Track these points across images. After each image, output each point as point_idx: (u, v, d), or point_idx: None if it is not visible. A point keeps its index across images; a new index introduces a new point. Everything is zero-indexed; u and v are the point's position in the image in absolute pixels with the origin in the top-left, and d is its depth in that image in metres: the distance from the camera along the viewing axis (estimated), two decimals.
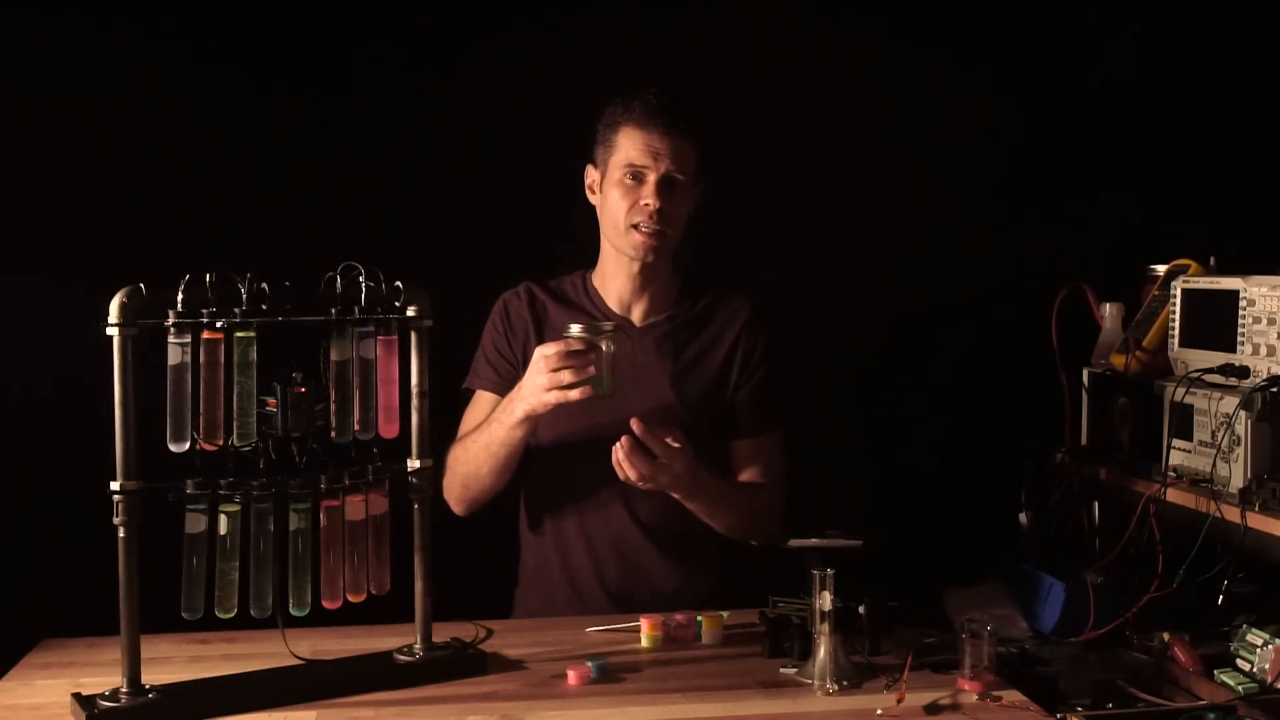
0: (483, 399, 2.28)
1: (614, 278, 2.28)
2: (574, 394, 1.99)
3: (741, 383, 2.27)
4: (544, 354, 2.01)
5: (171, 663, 1.87)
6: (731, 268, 2.47)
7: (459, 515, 2.25)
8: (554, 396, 2.00)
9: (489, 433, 2.14)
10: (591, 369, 1.99)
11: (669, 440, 2.02)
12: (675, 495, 2.12)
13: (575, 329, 2.02)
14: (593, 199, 2.27)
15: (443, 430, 1.90)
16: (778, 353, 2.30)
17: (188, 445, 1.66)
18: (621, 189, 2.18)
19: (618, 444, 2.01)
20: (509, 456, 2.15)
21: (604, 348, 2.00)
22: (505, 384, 2.26)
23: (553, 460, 2.25)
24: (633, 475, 2.02)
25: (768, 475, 2.28)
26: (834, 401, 2.80)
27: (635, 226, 2.18)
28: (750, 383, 2.27)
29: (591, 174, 2.26)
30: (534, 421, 2.10)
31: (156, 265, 1.67)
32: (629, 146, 2.17)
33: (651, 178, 2.16)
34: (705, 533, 2.24)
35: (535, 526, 2.30)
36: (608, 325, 2.04)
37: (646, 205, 2.17)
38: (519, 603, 2.35)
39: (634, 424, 2.01)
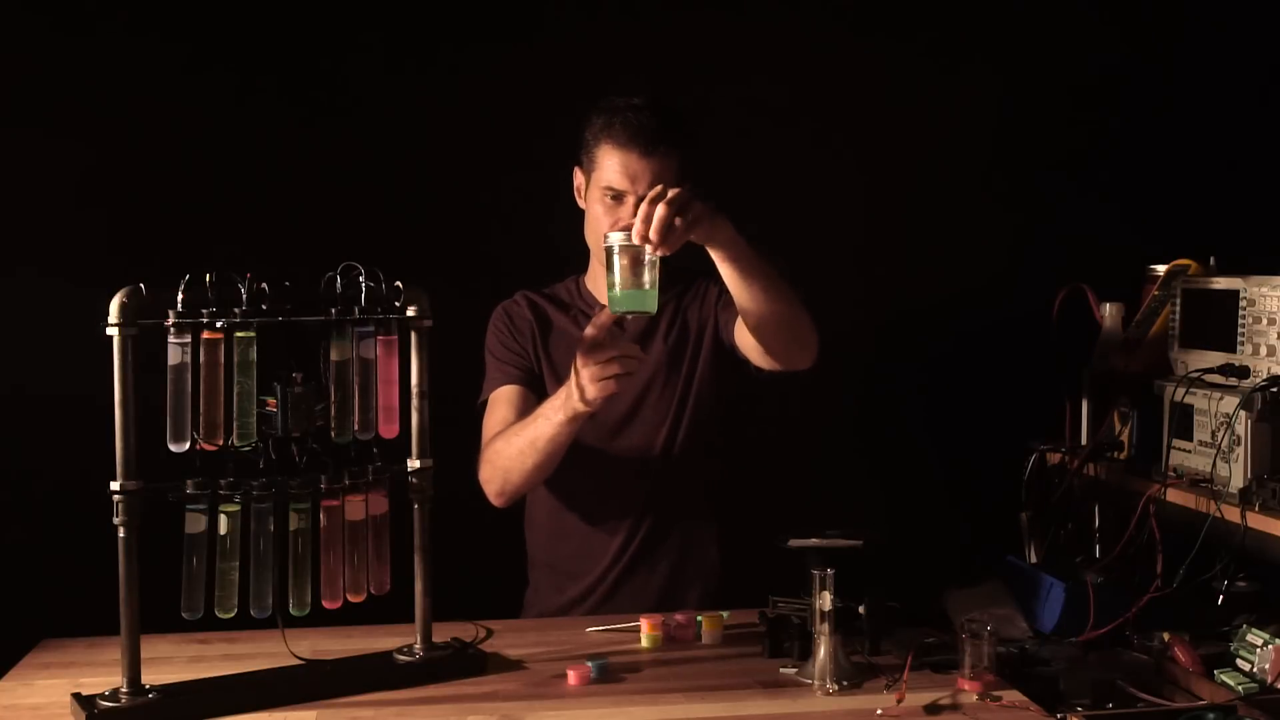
0: (502, 395, 2.26)
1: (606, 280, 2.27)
2: (614, 380, 1.93)
3: (721, 305, 2.24)
4: (582, 352, 1.96)
5: (171, 663, 1.87)
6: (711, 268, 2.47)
7: (498, 506, 2.22)
8: (600, 388, 1.94)
9: (534, 428, 2.10)
10: (616, 367, 1.92)
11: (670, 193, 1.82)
12: (714, 248, 1.94)
13: (616, 238, 1.84)
14: (580, 202, 2.27)
15: (443, 430, 1.89)
16: None
17: (188, 445, 1.66)
18: (602, 206, 2.17)
19: (637, 220, 1.81)
20: (554, 452, 2.10)
21: (646, 258, 1.84)
22: (521, 374, 2.26)
23: (565, 460, 2.24)
24: (655, 236, 1.80)
25: None
26: (833, 401, 2.80)
27: None
28: (724, 300, 2.22)
29: (578, 177, 2.25)
30: (581, 421, 2.05)
31: (156, 265, 1.67)
32: (608, 167, 2.14)
33: (630, 200, 2.13)
34: (713, 532, 2.26)
35: (545, 526, 2.30)
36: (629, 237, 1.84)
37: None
38: (529, 604, 2.35)
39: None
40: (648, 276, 1.85)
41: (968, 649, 1.77)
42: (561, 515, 2.28)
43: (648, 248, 1.82)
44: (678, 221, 1.80)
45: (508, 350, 2.29)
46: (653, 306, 1.87)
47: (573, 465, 2.19)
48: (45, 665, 1.91)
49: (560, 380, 2.23)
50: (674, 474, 2.25)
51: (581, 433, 2.15)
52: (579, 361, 1.97)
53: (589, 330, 1.99)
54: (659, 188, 1.82)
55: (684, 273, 2.32)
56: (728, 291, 2.19)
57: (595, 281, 2.31)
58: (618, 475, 2.23)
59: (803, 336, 2.10)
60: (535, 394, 2.26)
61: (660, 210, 1.79)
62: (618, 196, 2.15)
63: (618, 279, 1.86)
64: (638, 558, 2.25)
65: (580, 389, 1.98)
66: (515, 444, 2.14)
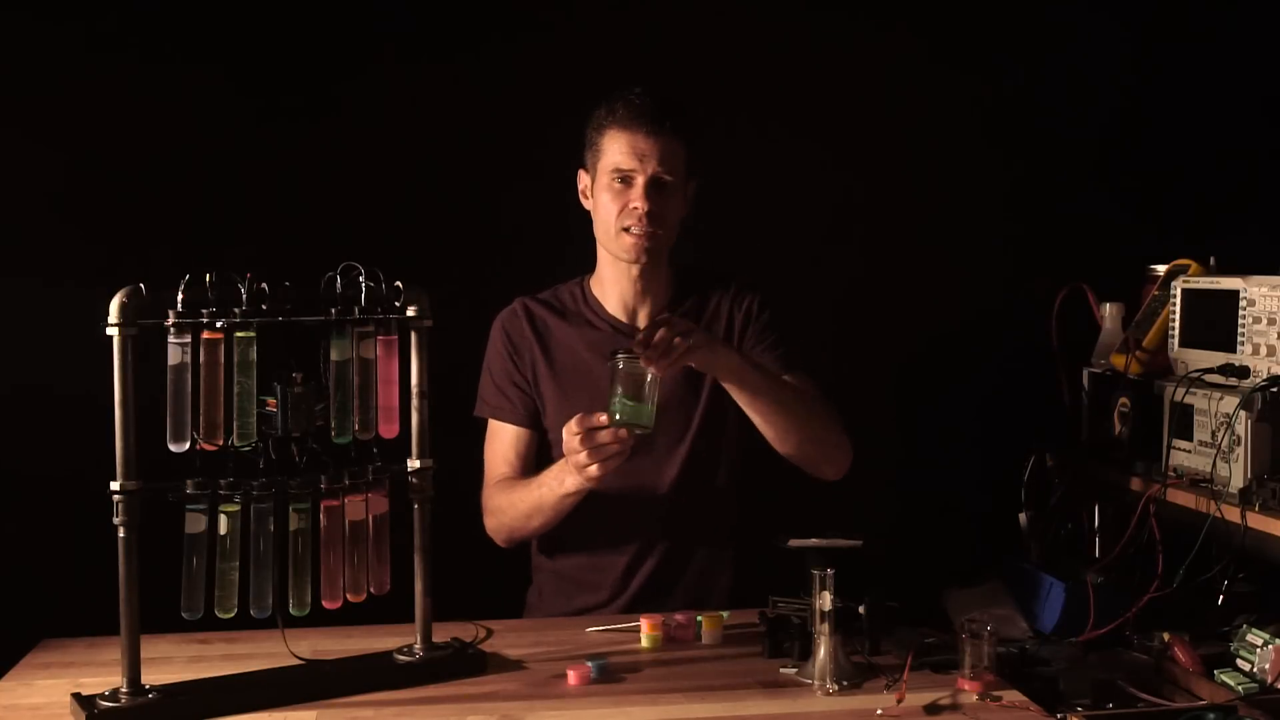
0: (502, 430, 2.26)
1: (614, 283, 2.26)
2: (613, 460, 1.95)
3: (747, 344, 2.25)
4: (570, 433, 1.96)
5: (171, 663, 1.87)
6: (730, 267, 2.47)
7: (501, 547, 2.26)
8: (595, 471, 1.96)
9: (539, 494, 2.12)
10: (615, 448, 1.94)
11: (666, 323, 1.94)
12: (717, 377, 2.08)
13: (620, 358, 1.93)
14: (586, 204, 2.25)
15: (443, 430, 1.89)
16: (774, 304, 2.29)
17: (188, 445, 1.66)
18: (611, 192, 2.16)
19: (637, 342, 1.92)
20: (560, 514, 2.13)
21: (648, 376, 1.94)
22: (521, 412, 2.25)
23: None
24: (658, 365, 1.91)
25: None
26: (833, 401, 2.79)
27: (626, 229, 2.17)
28: (755, 337, 2.25)
29: (583, 179, 2.25)
30: (585, 492, 2.06)
31: (156, 265, 1.67)
32: (614, 150, 2.15)
33: (639, 180, 2.14)
34: (723, 533, 2.25)
35: (552, 536, 2.27)
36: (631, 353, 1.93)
37: (635, 208, 2.15)
38: (532, 605, 2.34)
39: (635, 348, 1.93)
40: (648, 393, 1.94)
41: (968, 649, 1.77)
42: (578, 521, 2.24)
43: (650, 368, 1.92)
44: (678, 340, 1.91)
45: (509, 381, 2.26)
46: (650, 422, 1.95)
47: (585, 503, 2.17)
48: (45, 665, 1.91)
49: (562, 391, 2.23)
50: (688, 499, 2.22)
51: None
52: (575, 444, 1.96)
53: (574, 424, 1.96)
54: (664, 316, 1.97)
55: (697, 274, 2.30)
56: (761, 329, 2.24)
57: (601, 284, 2.29)
58: (630, 498, 2.21)
59: (827, 452, 2.17)
60: (535, 430, 2.26)
61: (661, 333, 1.91)
62: (626, 179, 2.14)
63: (619, 392, 1.94)
64: (649, 582, 2.23)
65: (580, 470, 1.97)
66: (520, 508, 2.16)
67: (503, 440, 2.26)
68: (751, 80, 2.82)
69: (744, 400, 2.09)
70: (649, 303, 2.27)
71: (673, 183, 2.17)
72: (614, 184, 2.16)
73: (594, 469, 1.96)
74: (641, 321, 2.26)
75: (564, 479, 2.06)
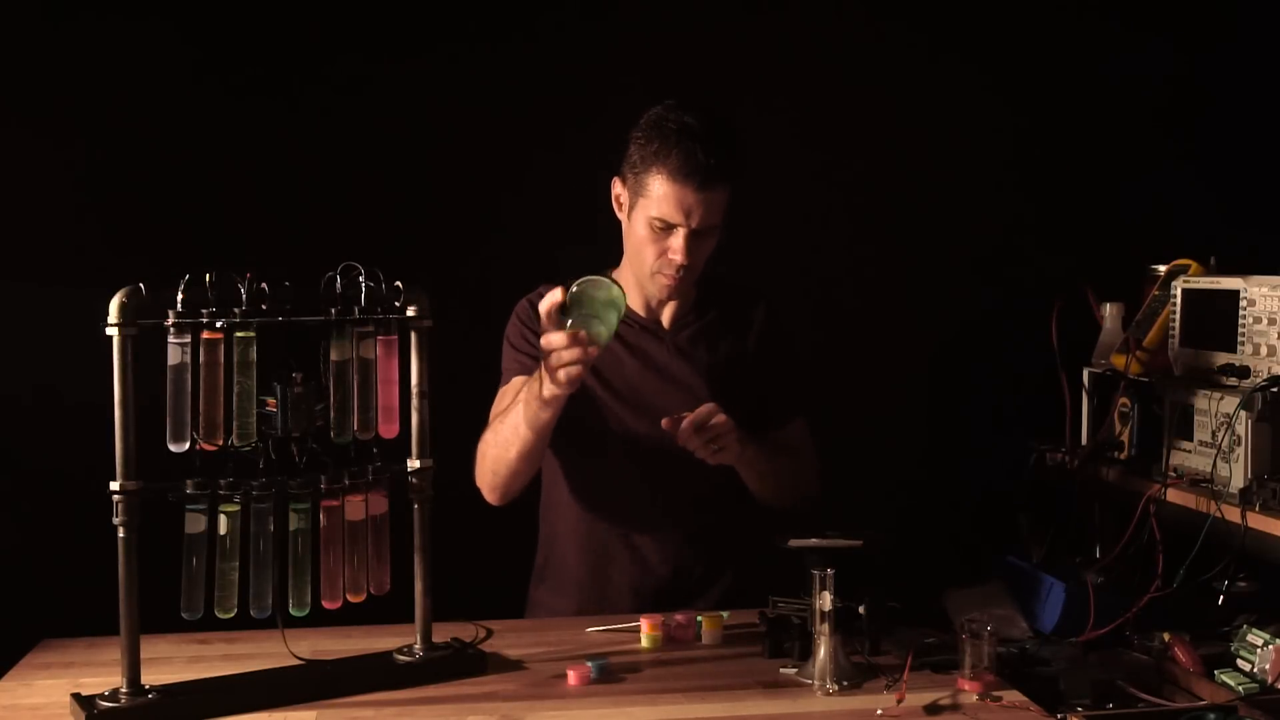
0: (515, 383, 2.22)
1: (639, 288, 2.24)
2: (576, 365, 1.91)
3: (760, 370, 2.26)
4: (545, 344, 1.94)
5: (171, 663, 1.87)
6: (730, 267, 2.47)
7: (494, 504, 2.20)
8: (564, 375, 1.91)
9: (516, 414, 2.07)
10: (574, 353, 1.89)
11: (713, 419, 2.02)
12: (736, 466, 2.13)
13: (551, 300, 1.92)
14: (619, 214, 2.20)
15: (443, 430, 1.89)
16: (796, 344, 2.31)
17: (188, 445, 1.66)
18: (649, 232, 2.12)
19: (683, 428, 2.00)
20: (537, 440, 2.07)
21: (601, 293, 1.91)
22: (536, 368, 2.24)
23: (585, 463, 2.23)
24: (704, 454, 2.03)
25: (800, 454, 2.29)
26: (833, 401, 2.79)
27: (660, 272, 2.15)
28: (770, 368, 2.26)
29: (617, 186, 2.18)
30: (560, 403, 2.02)
31: (156, 265, 1.67)
32: (661, 199, 2.08)
33: (682, 232, 2.10)
34: (730, 532, 2.25)
35: (561, 527, 2.27)
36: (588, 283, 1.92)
37: (674, 259, 2.12)
38: (535, 603, 2.33)
39: (664, 423, 2.00)
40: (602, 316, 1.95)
41: (968, 649, 1.77)
42: (585, 520, 2.24)
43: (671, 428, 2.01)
44: (718, 430, 2.01)
45: (526, 341, 2.23)
46: (608, 335, 1.97)
47: (604, 474, 2.19)
48: (45, 665, 1.91)
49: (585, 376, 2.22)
50: (695, 514, 2.23)
51: (617, 443, 2.18)
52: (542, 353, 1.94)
53: (542, 317, 1.94)
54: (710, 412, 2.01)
55: (726, 286, 2.29)
56: (778, 364, 2.27)
57: (626, 285, 2.25)
58: (649, 482, 2.21)
59: (792, 503, 2.25)
60: None
61: (706, 413, 2.01)
62: (668, 227, 2.11)
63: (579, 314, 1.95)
64: (668, 563, 2.23)
65: (551, 375, 1.94)
66: (500, 434, 2.11)
67: (511, 392, 2.20)
68: (750, 80, 2.82)
69: (747, 473, 2.18)
70: (674, 305, 2.26)
71: (713, 227, 2.13)
72: (654, 227, 2.11)
73: (562, 375, 1.91)
74: (665, 320, 2.26)
75: (536, 389, 2.00)
